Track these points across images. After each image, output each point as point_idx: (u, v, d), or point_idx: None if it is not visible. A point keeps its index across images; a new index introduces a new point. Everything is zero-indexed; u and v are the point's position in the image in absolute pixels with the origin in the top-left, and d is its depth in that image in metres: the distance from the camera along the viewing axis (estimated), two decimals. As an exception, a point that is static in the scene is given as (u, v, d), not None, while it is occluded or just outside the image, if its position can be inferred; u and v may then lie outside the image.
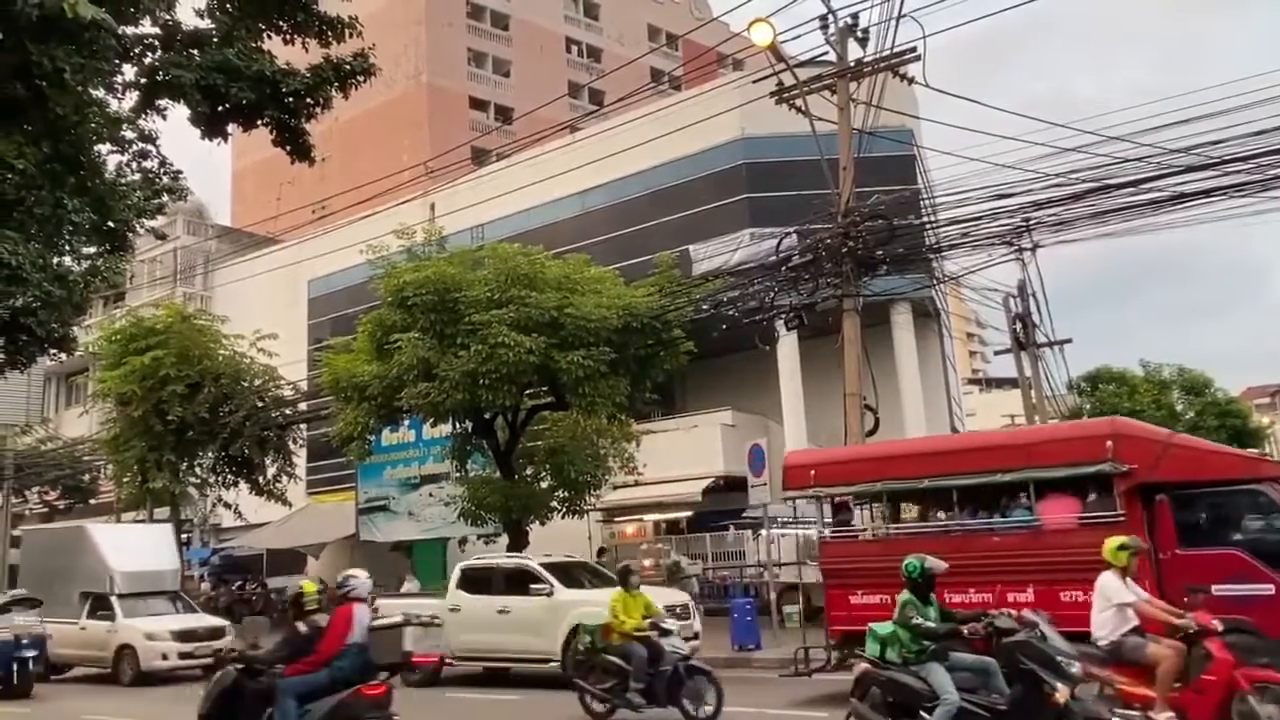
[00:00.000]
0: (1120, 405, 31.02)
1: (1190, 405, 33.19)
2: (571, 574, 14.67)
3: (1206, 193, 13.93)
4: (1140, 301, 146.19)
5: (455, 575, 15.19)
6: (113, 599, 17.81)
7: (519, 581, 14.19)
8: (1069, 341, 23.18)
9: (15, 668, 15.90)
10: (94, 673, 18.20)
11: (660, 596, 12.46)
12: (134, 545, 19.72)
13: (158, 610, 17.99)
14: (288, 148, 9.48)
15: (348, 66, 9.37)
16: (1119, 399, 31.60)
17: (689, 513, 24.93)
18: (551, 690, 12.94)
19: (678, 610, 13.49)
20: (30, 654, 16.10)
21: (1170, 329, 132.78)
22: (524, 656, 13.97)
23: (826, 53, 15.90)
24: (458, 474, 21.02)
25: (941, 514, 11.07)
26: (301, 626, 7.87)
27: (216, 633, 17.80)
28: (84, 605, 18.01)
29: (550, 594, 13.56)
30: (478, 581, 14.84)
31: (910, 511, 11.46)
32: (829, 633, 11.67)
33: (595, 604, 12.27)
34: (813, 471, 11.98)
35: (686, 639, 11.86)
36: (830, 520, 12.15)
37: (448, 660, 14.10)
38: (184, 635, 17.35)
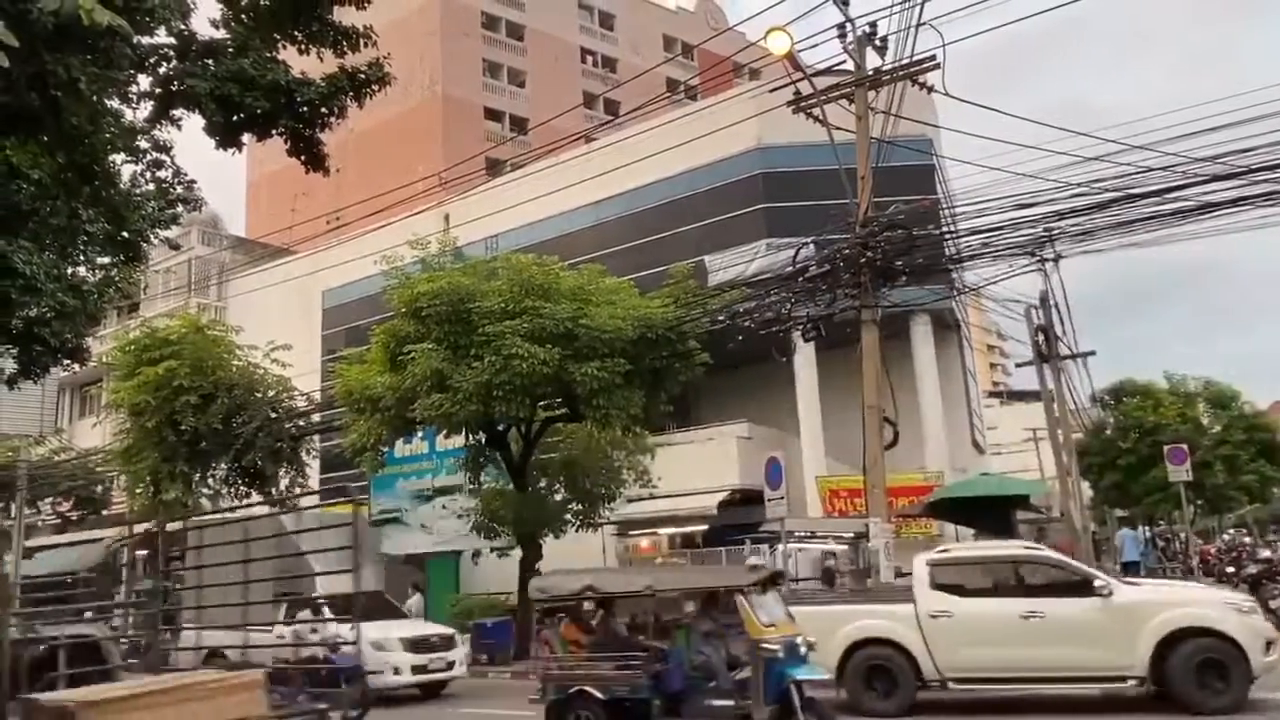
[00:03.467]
0: (1145, 419, 30.68)
1: (1217, 419, 32.75)
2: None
3: (1233, 202, 13.71)
4: (1166, 313, 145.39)
5: (924, 572, 11.59)
6: (321, 602, 14.97)
7: (1040, 577, 11.28)
8: (1092, 354, 22.91)
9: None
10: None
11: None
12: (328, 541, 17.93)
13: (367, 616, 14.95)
14: (302, 158, 9.41)
15: (363, 76, 9.30)
16: (1143, 412, 31.20)
17: (704, 526, 24.71)
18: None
19: None
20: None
21: (1196, 341, 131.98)
22: (1073, 674, 10.71)
23: (844, 61, 15.73)
24: (471, 486, 20.90)
25: None
26: None
27: (448, 642, 15.31)
28: (279, 609, 15.17)
29: (1109, 594, 10.56)
30: (960, 579, 11.62)
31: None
32: None
33: (1186, 604, 10.48)
34: None
35: None
36: None
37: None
38: (416, 645, 14.52)
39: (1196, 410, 32.52)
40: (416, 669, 14.31)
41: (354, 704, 11.17)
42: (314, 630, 12.52)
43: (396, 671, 14.04)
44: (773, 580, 9.99)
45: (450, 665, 14.97)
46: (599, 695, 9.53)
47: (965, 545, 16.41)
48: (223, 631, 14.04)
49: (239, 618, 13.79)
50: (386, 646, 14.18)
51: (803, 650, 9.07)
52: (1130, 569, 21.93)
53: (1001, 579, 11.42)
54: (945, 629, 10.84)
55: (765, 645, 8.93)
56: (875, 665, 11.00)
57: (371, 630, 14.25)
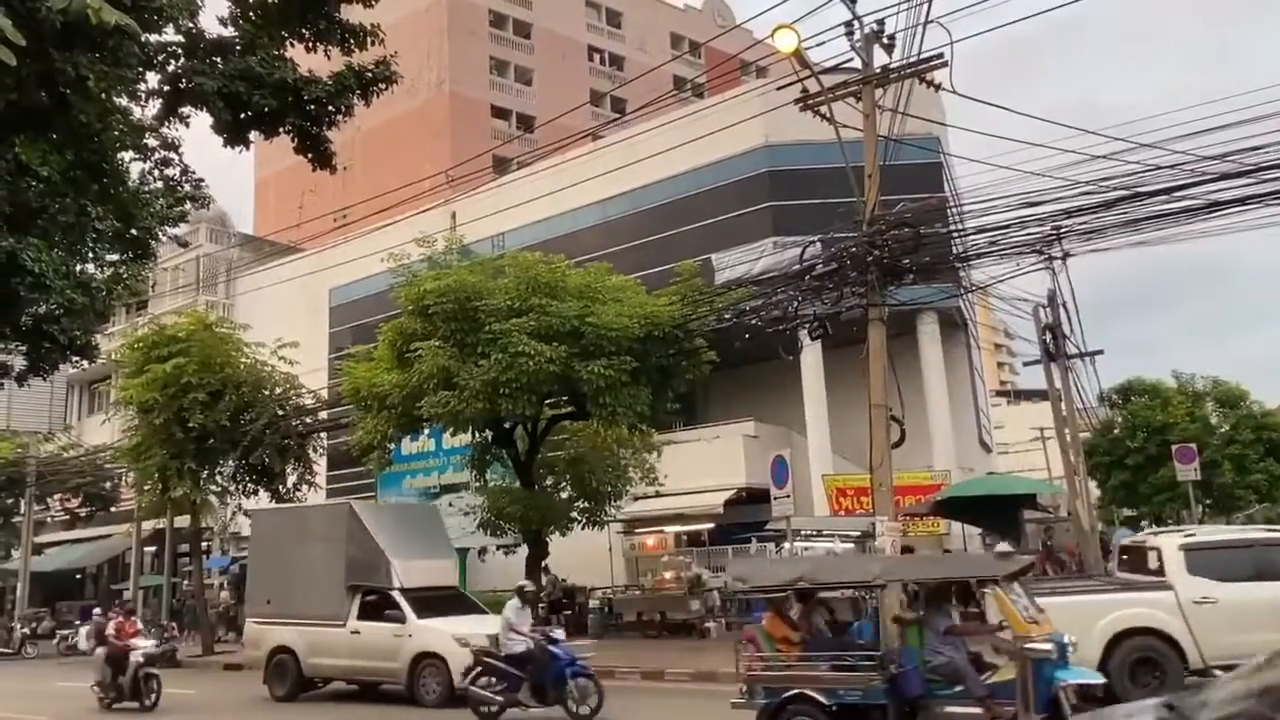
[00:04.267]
0: (1153, 418, 30.55)
1: (1225, 418, 32.58)
2: None
3: (1242, 200, 13.64)
4: (1174, 312, 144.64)
5: (1178, 558, 10.97)
6: (398, 596, 14.42)
7: None
8: (1100, 353, 22.77)
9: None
10: (351, 689, 15.35)
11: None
12: (409, 529, 16.31)
13: (445, 611, 14.56)
14: (309, 155, 9.44)
15: (370, 74, 9.32)
16: (1151, 411, 31.07)
17: (710, 525, 24.72)
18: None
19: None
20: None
21: (1205, 340, 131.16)
22: None
23: (851, 59, 15.66)
24: (477, 484, 20.95)
25: None
26: None
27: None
28: (352, 603, 14.77)
29: None
30: (1219, 564, 10.98)
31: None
32: None
33: None
34: None
35: None
36: None
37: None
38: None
39: (1205, 409, 32.37)
40: None
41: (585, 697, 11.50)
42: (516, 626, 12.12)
43: None
44: (1022, 571, 8.89)
45: None
46: (822, 700, 8.48)
47: (1209, 529, 15.57)
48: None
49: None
50: (471, 642, 13.45)
51: (1070, 650, 8.19)
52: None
53: (1262, 563, 10.99)
54: (1210, 615, 10.37)
55: (1034, 646, 7.86)
56: (1141, 658, 10.27)
57: (455, 625, 13.98)
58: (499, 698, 11.72)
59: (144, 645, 15.00)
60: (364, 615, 14.63)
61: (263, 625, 15.96)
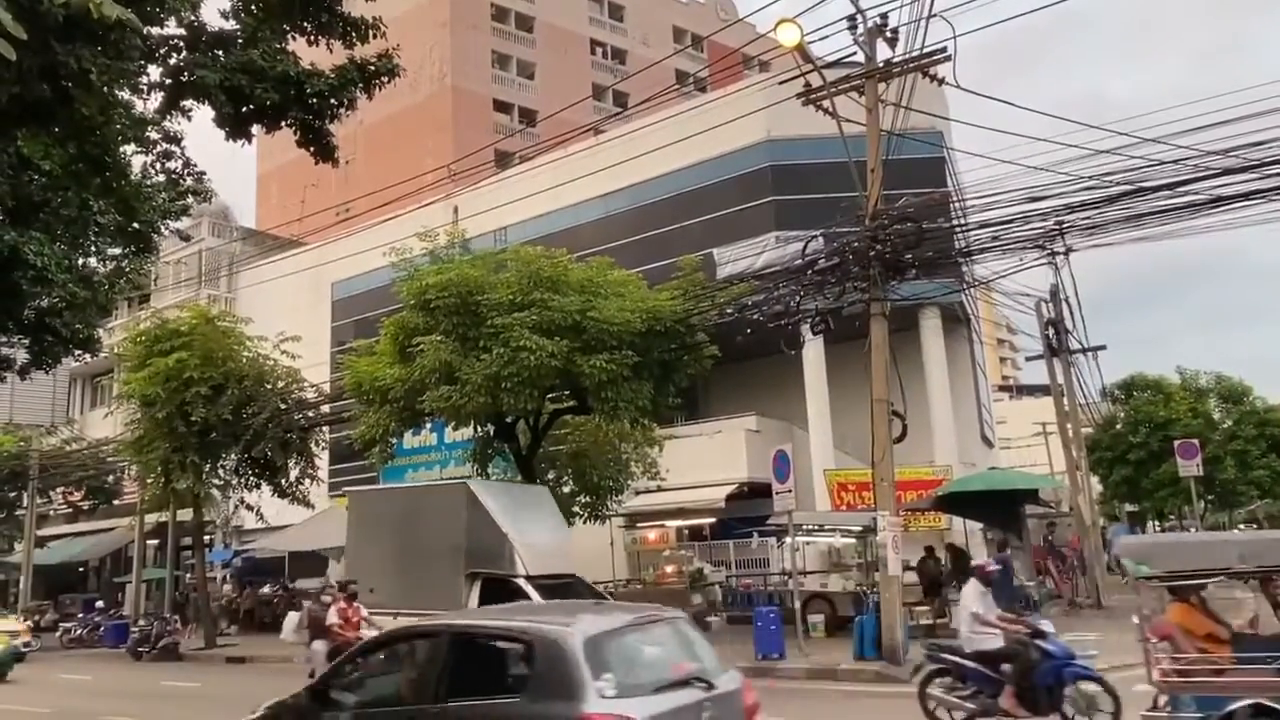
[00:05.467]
0: (1155, 413, 30.53)
1: (1228, 414, 32.56)
2: None
3: (1245, 196, 13.61)
4: (1177, 307, 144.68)
5: None
6: (525, 583, 13.05)
7: None
8: (1103, 348, 22.81)
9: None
10: None
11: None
12: (527, 510, 14.99)
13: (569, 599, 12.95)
14: (312, 149, 9.41)
15: (372, 67, 9.30)
16: (1154, 407, 31.05)
17: (712, 519, 24.73)
18: None
19: None
20: None
21: (1208, 335, 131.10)
22: None
23: (854, 53, 15.67)
24: (479, 478, 20.94)
25: None
26: None
27: None
28: (470, 591, 13.31)
29: None
30: None
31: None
32: None
33: None
34: None
35: None
36: None
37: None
38: None
39: (1208, 405, 32.35)
40: None
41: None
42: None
43: None
44: None
45: None
46: None
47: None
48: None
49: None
50: None
51: None
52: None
53: None
54: None
55: None
56: None
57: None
58: (971, 704, 9.47)
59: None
60: (485, 603, 13.09)
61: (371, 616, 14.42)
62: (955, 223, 16.78)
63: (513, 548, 13.50)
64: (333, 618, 12.68)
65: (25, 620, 28.46)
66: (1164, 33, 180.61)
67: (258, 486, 26.07)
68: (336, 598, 13.27)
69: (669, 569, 23.44)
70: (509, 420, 19.21)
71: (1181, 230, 14.55)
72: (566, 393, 18.44)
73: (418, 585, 13.84)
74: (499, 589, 13.10)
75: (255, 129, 9.32)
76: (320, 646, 12.57)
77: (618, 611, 6.94)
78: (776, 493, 16.72)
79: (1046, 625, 9.51)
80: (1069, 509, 23.06)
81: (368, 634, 11.64)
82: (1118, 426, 32.48)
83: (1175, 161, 13.78)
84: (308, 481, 26.04)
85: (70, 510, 39.08)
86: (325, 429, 26.70)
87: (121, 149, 9.28)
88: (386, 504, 16.15)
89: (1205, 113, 13.21)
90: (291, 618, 12.70)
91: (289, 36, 9.14)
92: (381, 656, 6.72)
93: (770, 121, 23.73)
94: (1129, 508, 35.88)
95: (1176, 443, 25.03)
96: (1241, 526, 43.66)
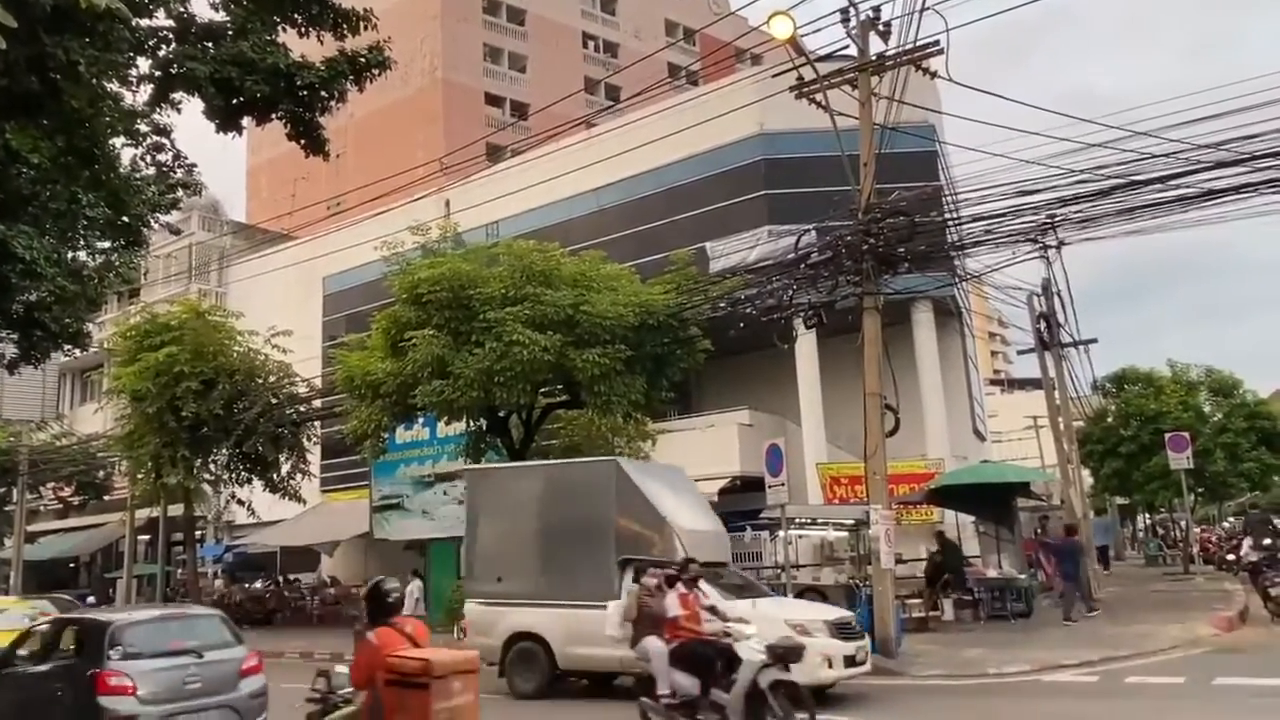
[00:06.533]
0: (1146, 407, 30.62)
1: (1218, 407, 32.68)
2: None
3: (1237, 189, 13.65)
4: (1168, 301, 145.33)
5: None
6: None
7: None
8: (1094, 341, 22.94)
9: None
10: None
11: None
12: (677, 491, 13.53)
13: (732, 591, 11.80)
14: (303, 142, 9.38)
15: (363, 59, 9.26)
16: (1145, 400, 31.15)
17: (704, 512, 24.71)
18: None
19: None
20: None
21: (1199, 329, 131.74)
22: None
23: (847, 46, 15.62)
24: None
25: None
26: None
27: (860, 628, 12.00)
28: (623, 581, 11.67)
29: None
30: None
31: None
32: None
33: None
34: None
35: None
36: None
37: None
38: (843, 629, 11.22)
39: (1198, 398, 32.45)
40: (848, 660, 10.92)
41: None
42: None
43: (829, 664, 10.74)
44: None
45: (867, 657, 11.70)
46: None
47: None
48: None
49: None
50: (811, 630, 10.83)
51: None
52: (1101, 553, 22.14)
53: None
54: None
55: None
56: None
57: (784, 609, 11.82)
58: None
59: (746, 633, 8.99)
60: None
61: (494, 608, 12.90)
62: (947, 216, 16.78)
63: (673, 532, 12.07)
64: (674, 608, 9.23)
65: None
66: (1155, 26, 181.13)
67: (249, 482, 26.01)
68: (659, 579, 9.70)
69: (661, 563, 23.45)
70: (501, 415, 19.18)
71: (1173, 224, 14.61)
72: (559, 387, 18.42)
73: (559, 574, 12.48)
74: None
75: (246, 121, 9.28)
76: (656, 645, 9.12)
77: (163, 609, 12.95)
78: (769, 486, 16.71)
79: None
80: (1060, 502, 23.14)
81: (712, 628, 9.19)
82: (1109, 420, 32.57)
83: (1167, 155, 13.81)
84: (299, 476, 26.00)
85: (61, 506, 38.93)
86: (317, 424, 26.65)
87: (111, 142, 9.23)
88: (516, 483, 14.23)
89: (1198, 106, 13.25)
90: (613, 609, 9.95)
91: (279, 28, 9.09)
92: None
93: (763, 115, 23.70)
94: (1120, 500, 36.01)
95: (1167, 436, 25.13)
96: (1230, 520, 43.92)
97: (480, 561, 13.62)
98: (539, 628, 12.38)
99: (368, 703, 5.73)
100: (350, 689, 5.77)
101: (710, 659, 8.87)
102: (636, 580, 11.14)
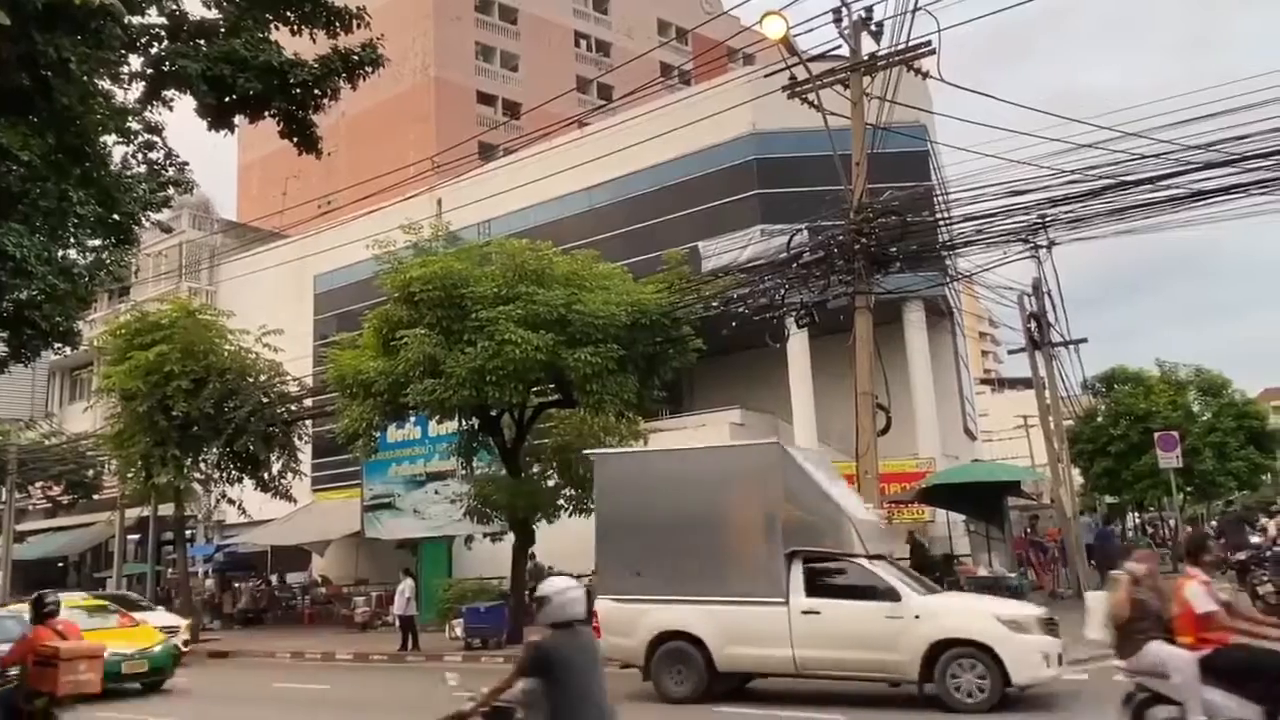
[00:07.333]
0: (1136, 406, 30.77)
1: (1207, 406, 32.88)
2: None
3: (1227, 190, 13.74)
4: (1157, 301, 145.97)
5: None
6: (875, 566, 11.00)
7: None
8: (1084, 341, 22.99)
9: None
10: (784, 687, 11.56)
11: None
12: (838, 481, 12.87)
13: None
14: (295, 139, 9.36)
15: (356, 57, 9.25)
16: (1134, 399, 31.30)
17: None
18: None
19: None
20: None
21: (1188, 329, 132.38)
22: None
23: (839, 46, 15.69)
24: (464, 471, 20.90)
25: None
26: None
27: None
28: (791, 575, 10.83)
29: None
30: None
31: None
32: None
33: None
34: None
35: None
36: None
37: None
38: (1049, 625, 10.43)
39: (1187, 398, 32.64)
40: (1060, 659, 10.26)
41: None
42: None
43: (1048, 662, 9.99)
44: None
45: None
46: None
47: None
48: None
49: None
50: (1026, 626, 10.16)
51: None
52: (1089, 551, 22.34)
53: None
54: None
55: None
56: None
57: (988, 603, 11.19)
58: None
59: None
60: (815, 591, 10.82)
61: (634, 605, 11.73)
62: (939, 216, 16.84)
63: (851, 523, 11.34)
64: (1205, 601, 6.64)
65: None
66: (1148, 23, 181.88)
67: (240, 481, 25.92)
68: (1147, 560, 7.37)
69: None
70: (493, 413, 19.17)
71: (1163, 224, 14.70)
72: (551, 386, 18.41)
73: (714, 567, 11.44)
74: (838, 571, 11.10)
75: (238, 119, 9.26)
76: (1178, 654, 6.64)
77: None
78: (761, 485, 16.69)
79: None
80: (1050, 501, 23.24)
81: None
82: (1098, 419, 32.72)
83: (1157, 155, 13.89)
84: (290, 476, 25.91)
85: (50, 505, 38.73)
86: (308, 423, 26.57)
87: (102, 139, 9.19)
88: (655, 469, 13.14)
89: (1188, 106, 13.33)
90: (1094, 604, 7.50)
91: (272, 26, 9.07)
92: None
93: (755, 114, 23.72)
94: (1110, 499, 36.17)
95: (1156, 435, 25.22)
96: (1215, 522, 44.18)
97: (613, 554, 12.25)
98: (693, 626, 11.26)
99: (23, 676, 8.22)
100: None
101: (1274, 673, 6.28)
102: (812, 576, 10.61)
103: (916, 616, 10.28)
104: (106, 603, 17.75)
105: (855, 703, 10.88)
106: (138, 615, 17.35)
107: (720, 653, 11.10)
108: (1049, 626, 10.33)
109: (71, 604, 17.02)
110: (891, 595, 10.48)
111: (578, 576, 22.76)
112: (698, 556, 11.54)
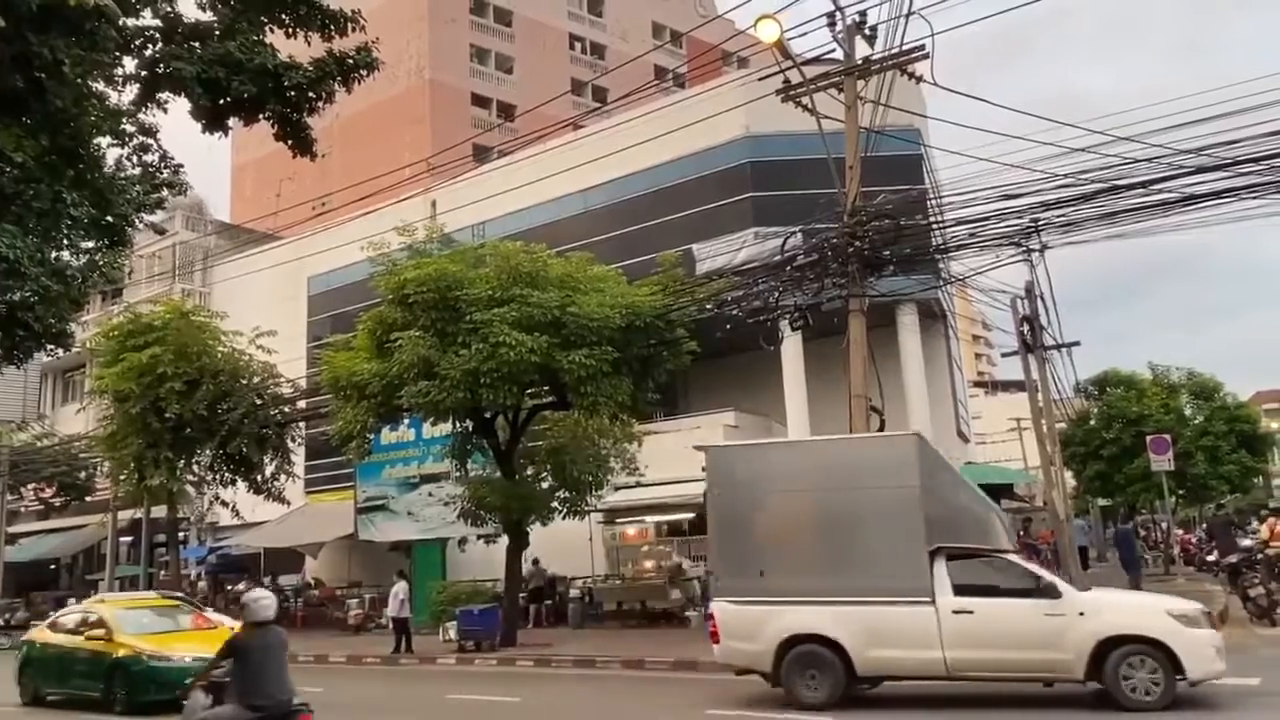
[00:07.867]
0: (1128, 409, 30.85)
1: (1199, 409, 32.97)
2: None
3: (1219, 194, 13.80)
4: (1150, 304, 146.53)
5: None
6: (1027, 563, 10.77)
7: None
8: (1077, 344, 23.01)
9: None
10: (929, 690, 11.14)
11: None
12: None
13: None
14: (290, 142, 9.34)
15: (351, 60, 9.23)
16: (1127, 402, 31.38)
17: (691, 514, 24.73)
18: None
19: None
20: None
21: (1180, 332, 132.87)
22: None
23: (833, 50, 15.73)
24: (458, 473, 20.89)
25: None
26: None
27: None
28: (935, 572, 10.38)
29: None
30: None
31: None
32: None
33: None
34: None
35: None
36: None
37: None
38: (1212, 618, 10.38)
39: (1179, 401, 32.71)
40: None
41: None
42: None
43: (1219, 656, 9.83)
44: None
45: None
46: None
47: None
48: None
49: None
50: (1198, 621, 9.91)
51: None
52: (1081, 554, 22.41)
53: None
54: None
55: None
56: None
57: (1155, 599, 10.94)
58: None
59: None
60: (963, 589, 10.36)
61: (759, 607, 11.07)
62: (932, 219, 16.89)
63: (1000, 520, 10.95)
64: None
65: None
66: (1142, 27, 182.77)
67: (233, 483, 25.88)
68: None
69: (648, 564, 23.49)
70: (488, 416, 19.17)
71: (1155, 228, 14.74)
72: (546, 388, 18.42)
73: (849, 566, 10.91)
74: (988, 569, 10.73)
75: (232, 122, 9.24)
76: None
77: None
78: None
79: None
80: (1043, 504, 23.30)
81: None
82: (1091, 422, 32.78)
83: (1150, 160, 13.95)
84: (283, 478, 25.87)
85: (42, 507, 38.62)
86: (302, 425, 26.54)
87: (96, 141, 9.17)
88: (777, 463, 12.38)
89: (1180, 111, 13.41)
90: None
91: (267, 28, 9.06)
92: None
93: (749, 118, 23.78)
94: (1102, 502, 36.25)
95: (1149, 438, 25.32)
96: (1205, 525, 44.31)
97: (731, 554, 11.57)
98: (828, 629, 10.66)
99: None
100: None
101: None
102: (958, 574, 10.09)
103: (1081, 614, 9.94)
104: (179, 603, 16.04)
105: (992, 704, 10.60)
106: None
107: (861, 656, 10.53)
108: (1212, 620, 10.16)
109: (137, 603, 15.71)
110: (1051, 592, 10.18)
111: (571, 578, 22.65)
112: (829, 555, 11.10)
